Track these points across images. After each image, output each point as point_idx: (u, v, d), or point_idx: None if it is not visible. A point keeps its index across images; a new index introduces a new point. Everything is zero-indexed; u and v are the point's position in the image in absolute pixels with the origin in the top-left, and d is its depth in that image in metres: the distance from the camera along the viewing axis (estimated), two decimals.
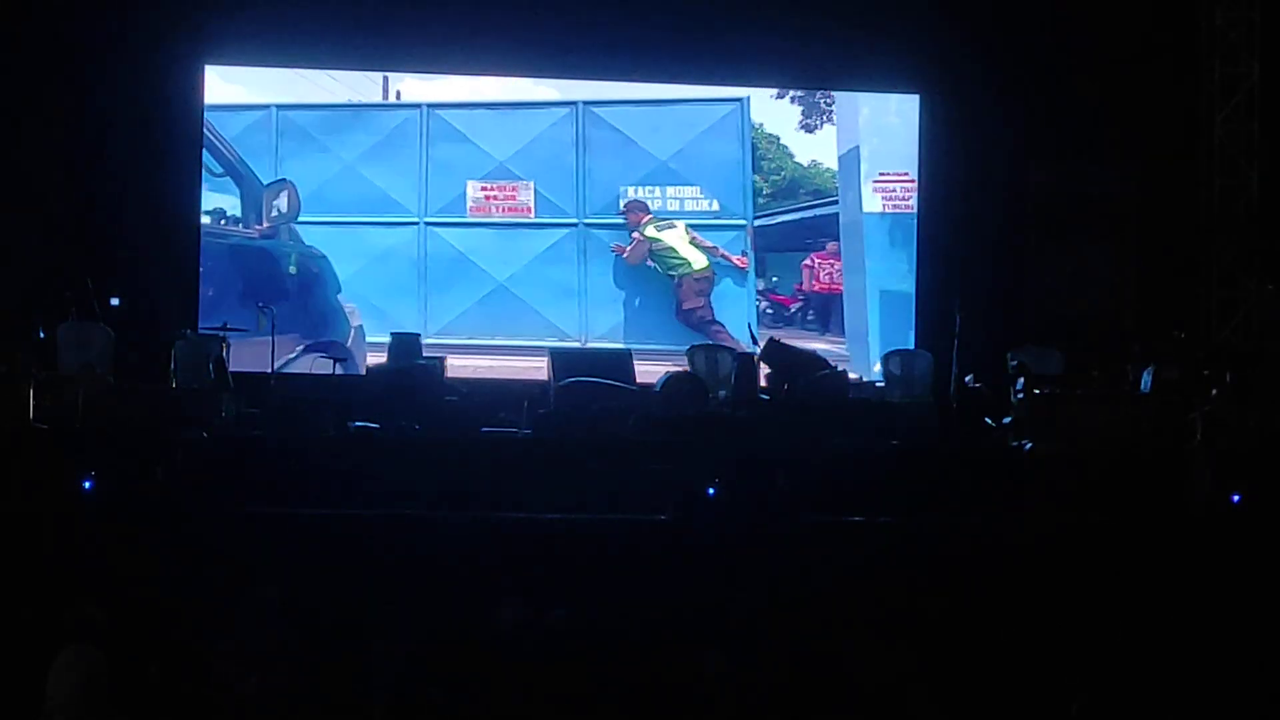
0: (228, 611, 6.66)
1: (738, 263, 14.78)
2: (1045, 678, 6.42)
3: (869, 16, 14.48)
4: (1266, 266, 14.44)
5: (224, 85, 14.36)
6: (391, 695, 5.78)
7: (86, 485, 9.64)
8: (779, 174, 15.27)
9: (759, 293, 15.16)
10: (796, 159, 15.32)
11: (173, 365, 12.13)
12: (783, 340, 13.53)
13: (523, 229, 14.34)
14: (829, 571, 9.14)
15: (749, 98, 14.91)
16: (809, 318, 15.34)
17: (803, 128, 15.36)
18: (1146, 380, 12.17)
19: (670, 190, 14.55)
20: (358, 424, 11.19)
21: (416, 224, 14.49)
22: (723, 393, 12.93)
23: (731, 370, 13.24)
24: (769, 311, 15.27)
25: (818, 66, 14.88)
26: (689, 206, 14.65)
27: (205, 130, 14.08)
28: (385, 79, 14.53)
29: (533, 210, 14.34)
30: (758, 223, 15.02)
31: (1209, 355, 12.76)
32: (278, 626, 6.37)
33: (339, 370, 13.34)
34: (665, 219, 14.64)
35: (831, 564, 9.28)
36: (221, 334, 12.42)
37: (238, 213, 14.31)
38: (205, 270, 14.03)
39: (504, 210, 14.26)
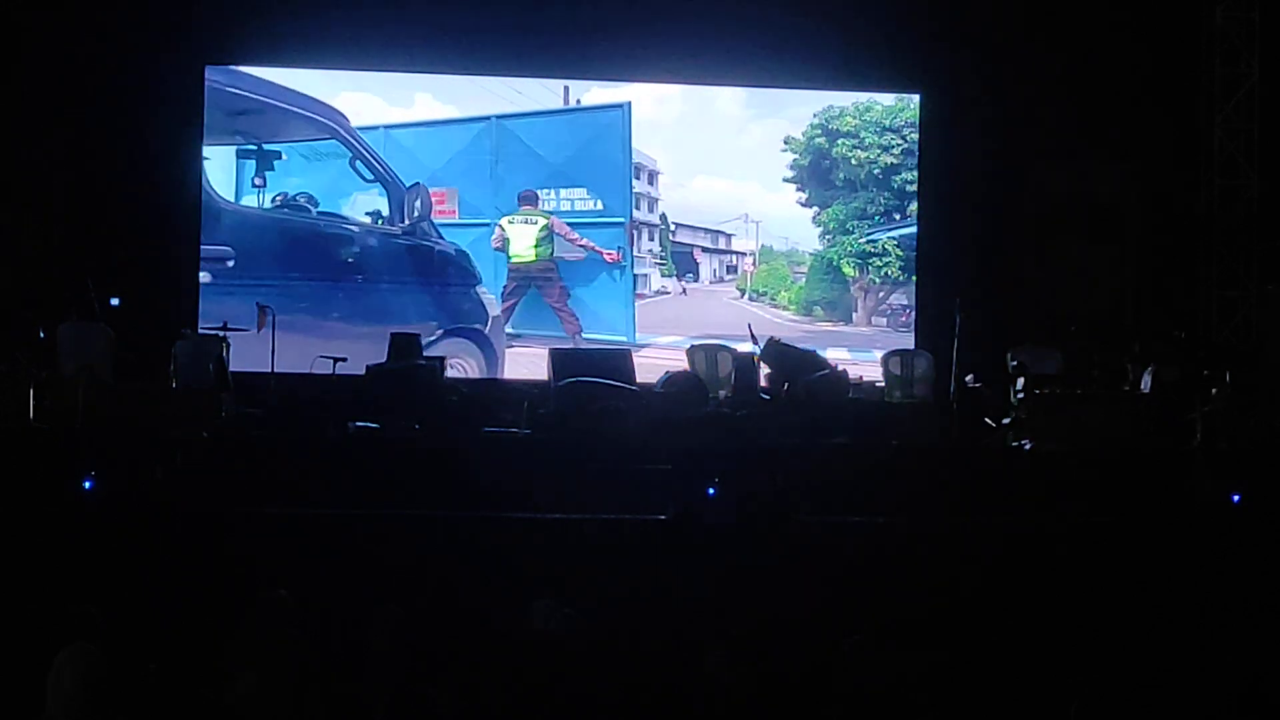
0: (228, 611, 6.65)
1: (607, 257, 15.27)
2: (1044, 678, 6.42)
3: (869, 16, 14.48)
4: (1266, 266, 14.45)
5: (437, 103, 15.23)
6: (391, 695, 5.78)
7: (86, 485, 9.65)
8: None
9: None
10: None
11: (173, 365, 12.13)
12: (782, 340, 13.55)
13: (448, 229, 15.25)
14: (829, 571, 9.14)
15: (630, 103, 15.34)
16: None
17: None
18: (1146, 380, 12.18)
19: (564, 192, 15.35)
20: (358, 424, 11.20)
21: None
22: (723, 393, 12.94)
23: (731, 370, 13.25)
24: None
25: (818, 66, 14.88)
26: (579, 206, 15.39)
27: (357, 142, 15.04)
28: (566, 88, 15.39)
29: (457, 213, 15.30)
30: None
31: (1209, 355, 12.76)
32: (278, 626, 6.36)
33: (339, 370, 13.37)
34: (538, 214, 15.23)
35: (831, 564, 9.29)
36: (221, 334, 12.42)
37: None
38: (356, 262, 15.06)
39: (436, 213, 15.20)
